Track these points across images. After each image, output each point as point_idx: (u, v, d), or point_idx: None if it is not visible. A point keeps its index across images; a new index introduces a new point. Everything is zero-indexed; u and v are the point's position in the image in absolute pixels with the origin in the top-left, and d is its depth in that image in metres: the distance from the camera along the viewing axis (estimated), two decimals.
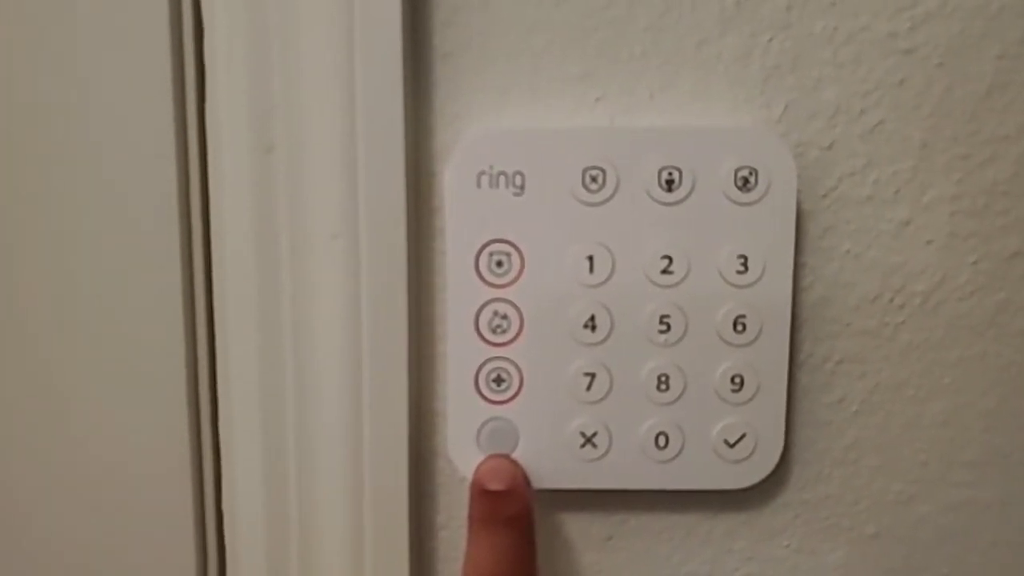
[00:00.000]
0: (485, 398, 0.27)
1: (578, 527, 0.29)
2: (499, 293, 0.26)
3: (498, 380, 0.27)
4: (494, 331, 0.27)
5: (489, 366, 0.27)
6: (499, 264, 0.26)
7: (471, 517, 0.26)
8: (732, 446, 0.27)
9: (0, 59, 0.27)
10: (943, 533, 0.30)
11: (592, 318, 0.26)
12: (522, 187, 0.26)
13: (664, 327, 0.26)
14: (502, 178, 0.26)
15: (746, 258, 0.26)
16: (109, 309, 0.28)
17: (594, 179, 0.26)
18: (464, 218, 0.26)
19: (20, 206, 0.28)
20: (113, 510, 0.29)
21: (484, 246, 0.26)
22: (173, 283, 0.28)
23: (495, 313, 0.26)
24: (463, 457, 0.27)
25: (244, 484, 0.28)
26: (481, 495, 0.26)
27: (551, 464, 0.27)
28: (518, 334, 0.27)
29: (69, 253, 0.28)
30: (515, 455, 0.27)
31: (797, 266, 0.28)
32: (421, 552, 0.29)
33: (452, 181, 0.26)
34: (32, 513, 0.30)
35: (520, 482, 0.26)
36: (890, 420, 0.29)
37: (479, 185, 0.26)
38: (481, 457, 0.27)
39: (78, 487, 0.29)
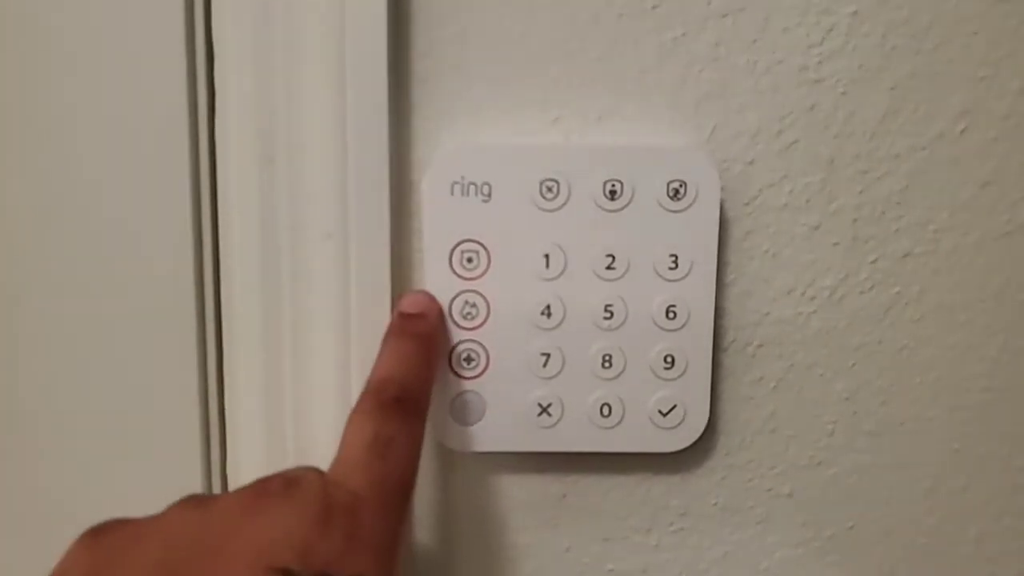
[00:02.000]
0: (457, 374, 0.30)
1: (537, 487, 0.32)
2: (469, 285, 0.29)
3: (468, 359, 0.30)
4: (465, 317, 0.29)
5: (461, 347, 0.29)
6: (469, 260, 0.29)
7: (385, 334, 0.28)
8: (665, 415, 0.30)
9: (37, 74, 0.30)
10: (848, 493, 0.33)
11: (548, 307, 0.29)
12: (489, 195, 0.28)
13: (608, 315, 0.29)
14: (472, 187, 0.28)
15: (676, 257, 0.29)
16: (125, 303, 0.31)
17: (550, 189, 0.28)
18: (439, 221, 0.29)
19: (48, 206, 0.30)
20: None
21: (456, 245, 0.29)
22: (185, 276, 0.30)
23: (466, 302, 0.29)
24: (439, 425, 0.30)
25: (247, 450, 0.31)
26: (398, 315, 0.28)
27: (513, 430, 0.30)
28: (485, 320, 0.29)
29: (90, 249, 0.31)
30: (482, 422, 0.30)
31: (723, 264, 0.31)
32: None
33: (429, 189, 0.29)
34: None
35: (432, 310, 0.28)
36: (803, 396, 0.32)
37: (452, 193, 0.28)
38: (454, 426, 0.30)
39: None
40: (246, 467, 0.31)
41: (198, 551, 0.20)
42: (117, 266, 0.31)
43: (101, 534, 0.22)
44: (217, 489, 0.32)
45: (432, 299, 0.29)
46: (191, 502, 0.22)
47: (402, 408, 0.25)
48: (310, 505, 0.22)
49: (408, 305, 0.29)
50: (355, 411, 0.25)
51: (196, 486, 0.32)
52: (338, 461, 0.24)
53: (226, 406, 0.31)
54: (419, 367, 0.27)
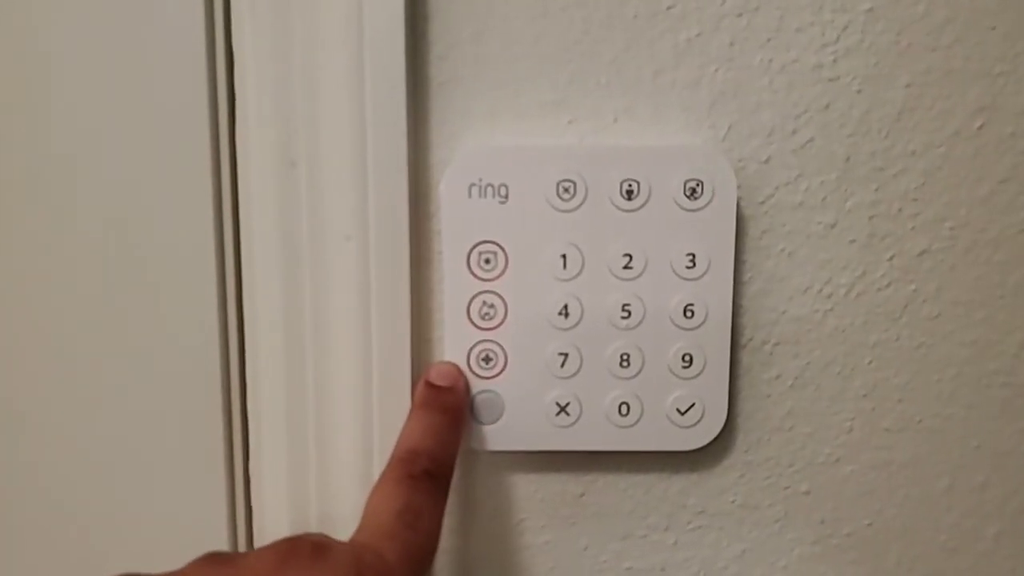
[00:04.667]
0: (476, 374, 0.30)
1: (555, 485, 0.33)
2: (487, 286, 0.29)
3: (487, 359, 0.30)
4: (483, 318, 0.30)
5: (479, 347, 0.30)
6: (487, 261, 0.29)
7: (413, 403, 0.29)
8: (683, 413, 0.30)
9: (58, 82, 0.30)
10: (865, 489, 0.33)
11: (565, 307, 0.29)
12: (506, 196, 0.29)
13: (626, 314, 0.29)
14: (489, 188, 0.29)
15: (694, 256, 0.29)
16: (148, 305, 0.31)
17: (566, 189, 0.29)
18: (457, 222, 0.29)
19: (70, 215, 0.31)
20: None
21: (475, 246, 0.29)
22: (208, 278, 0.31)
23: (484, 303, 0.29)
24: None
25: (269, 448, 0.31)
26: (425, 386, 0.29)
27: (531, 429, 0.30)
28: (503, 320, 0.30)
29: (112, 253, 0.31)
30: (501, 421, 0.30)
31: (739, 263, 0.31)
32: None
33: (447, 191, 0.29)
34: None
35: (460, 384, 0.29)
36: (820, 393, 0.32)
37: (470, 195, 0.29)
38: (474, 425, 0.30)
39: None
40: (268, 473, 0.31)
41: None
42: (139, 270, 0.31)
43: None
44: (239, 475, 0.32)
45: (459, 371, 0.30)
46: (213, 560, 0.22)
47: (432, 481, 0.26)
48: (340, 572, 0.22)
49: (437, 376, 0.29)
50: (385, 479, 0.26)
51: (217, 488, 0.32)
52: (367, 527, 0.25)
53: (248, 404, 0.31)
54: (447, 441, 0.28)
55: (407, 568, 0.23)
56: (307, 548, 0.22)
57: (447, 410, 0.29)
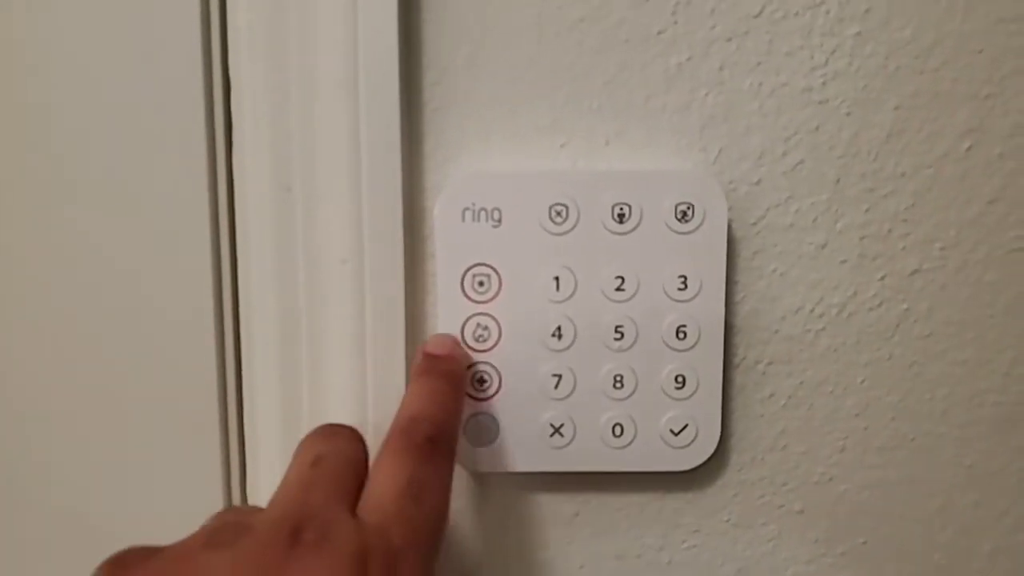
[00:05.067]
0: (470, 396, 0.30)
1: (549, 506, 0.33)
2: (481, 308, 0.30)
3: (481, 381, 0.30)
4: (477, 340, 0.30)
5: (473, 369, 0.30)
6: (481, 284, 0.29)
7: (412, 374, 0.28)
8: (677, 434, 0.30)
9: (54, 104, 0.31)
10: (859, 509, 0.33)
11: (559, 328, 0.30)
12: (499, 220, 0.29)
13: (619, 335, 0.30)
14: (483, 212, 0.29)
15: (685, 278, 0.29)
16: (145, 329, 0.31)
17: (559, 213, 0.29)
18: (451, 246, 0.29)
19: (67, 235, 0.31)
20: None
21: (468, 269, 0.29)
22: (204, 301, 0.31)
23: (478, 325, 0.30)
24: None
25: (267, 474, 0.32)
26: (424, 356, 0.28)
27: (526, 450, 0.30)
28: (497, 342, 0.30)
29: (110, 277, 0.31)
30: (495, 443, 0.30)
31: (731, 283, 0.31)
32: None
33: (441, 215, 0.29)
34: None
35: (457, 352, 0.29)
36: (813, 412, 0.32)
37: (463, 219, 0.29)
38: (468, 447, 0.30)
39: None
40: (265, 494, 0.31)
41: None
42: (137, 291, 0.32)
43: (124, 569, 0.21)
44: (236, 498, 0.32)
45: (456, 341, 0.30)
46: (216, 540, 0.21)
47: (435, 448, 0.25)
48: (346, 559, 0.21)
49: (434, 346, 0.29)
50: (385, 451, 0.25)
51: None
52: (370, 504, 0.23)
53: (245, 429, 0.32)
54: (449, 406, 0.27)
55: (415, 545, 0.22)
56: (313, 536, 0.21)
57: (446, 375, 0.28)
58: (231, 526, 0.22)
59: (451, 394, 0.27)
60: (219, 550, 0.21)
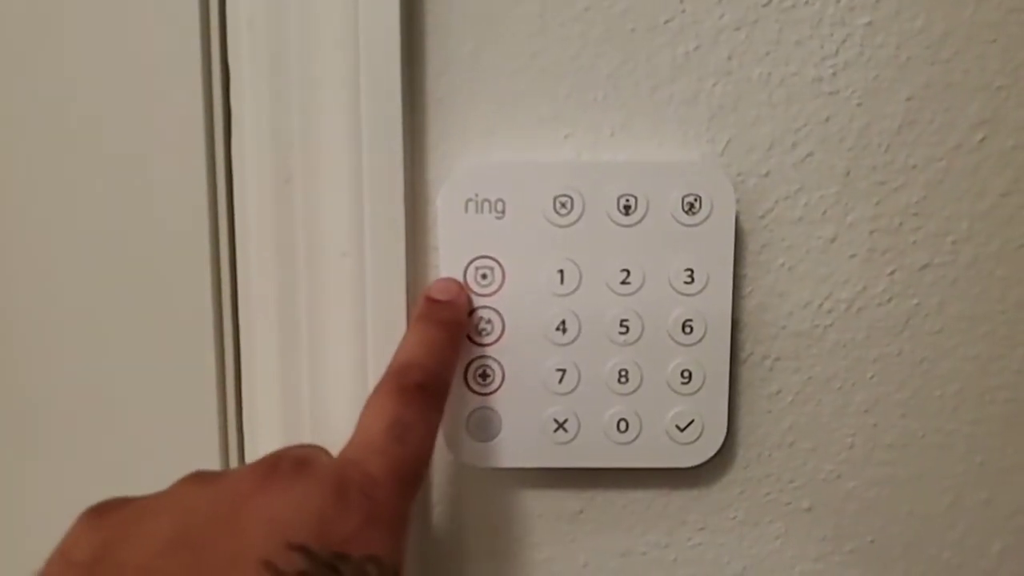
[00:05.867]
0: (472, 390, 0.30)
1: (553, 502, 0.32)
2: (484, 301, 0.29)
3: (484, 375, 0.30)
4: (480, 333, 0.29)
5: (476, 363, 0.30)
6: (484, 276, 0.29)
7: (413, 317, 0.28)
8: (682, 430, 0.30)
9: (54, 98, 0.30)
10: (867, 506, 0.32)
11: (563, 322, 0.29)
12: (503, 212, 0.29)
13: (624, 329, 0.29)
14: (486, 204, 0.29)
15: (692, 271, 0.29)
16: (144, 322, 0.31)
17: (563, 205, 0.29)
18: (454, 238, 0.29)
19: (68, 227, 0.31)
20: None
21: (471, 261, 0.29)
22: (204, 294, 0.31)
23: (481, 318, 0.29)
24: (454, 441, 0.30)
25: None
26: (425, 300, 0.28)
27: (529, 446, 0.30)
28: (500, 336, 0.29)
29: (110, 268, 0.31)
30: (498, 438, 0.30)
31: (739, 277, 0.30)
32: (417, 524, 0.32)
33: (444, 207, 0.29)
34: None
35: (460, 299, 0.29)
36: (821, 409, 0.32)
37: (467, 210, 0.29)
38: (471, 442, 0.30)
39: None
40: None
41: (211, 525, 0.20)
42: (135, 284, 0.31)
43: (106, 511, 0.21)
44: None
45: (461, 287, 0.29)
46: (197, 477, 0.22)
47: (424, 394, 0.25)
48: (324, 484, 0.21)
49: (437, 291, 0.29)
50: (376, 393, 0.25)
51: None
52: (355, 441, 0.24)
53: (244, 424, 0.31)
54: (443, 354, 0.27)
55: (393, 482, 0.23)
56: (288, 463, 0.22)
57: (444, 324, 0.28)
58: (212, 471, 0.23)
59: (447, 342, 0.27)
60: (198, 485, 0.22)
